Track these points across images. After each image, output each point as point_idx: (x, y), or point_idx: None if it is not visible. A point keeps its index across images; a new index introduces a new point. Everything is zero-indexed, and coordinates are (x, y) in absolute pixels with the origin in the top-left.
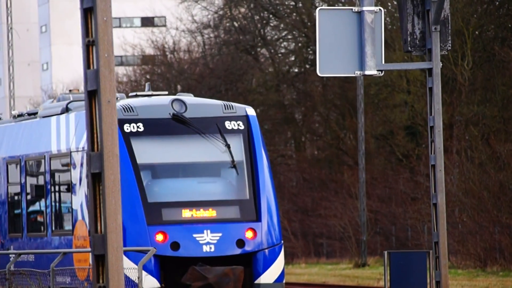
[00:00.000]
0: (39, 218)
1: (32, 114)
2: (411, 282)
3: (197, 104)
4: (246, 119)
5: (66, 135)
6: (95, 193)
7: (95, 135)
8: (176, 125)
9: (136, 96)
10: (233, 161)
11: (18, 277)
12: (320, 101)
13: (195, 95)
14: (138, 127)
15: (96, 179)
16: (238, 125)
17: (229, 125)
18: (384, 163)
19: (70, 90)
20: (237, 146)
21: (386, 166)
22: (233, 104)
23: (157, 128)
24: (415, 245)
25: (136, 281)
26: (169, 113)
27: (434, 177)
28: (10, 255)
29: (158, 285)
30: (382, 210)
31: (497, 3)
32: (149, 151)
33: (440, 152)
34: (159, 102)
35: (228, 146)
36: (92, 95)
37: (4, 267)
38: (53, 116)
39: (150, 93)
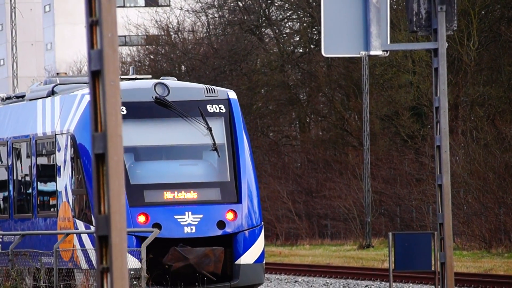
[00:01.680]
0: (26, 200)
1: (20, 97)
2: (416, 263)
3: (180, 88)
4: (227, 102)
5: (51, 118)
6: (99, 174)
7: (98, 116)
8: (159, 109)
9: (120, 79)
10: (214, 144)
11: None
12: (325, 81)
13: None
14: (121, 110)
15: (99, 160)
16: (220, 108)
17: (211, 108)
18: (389, 144)
19: (57, 73)
20: (219, 129)
21: (391, 147)
22: (215, 87)
23: (139, 111)
24: (419, 226)
25: None
26: (152, 97)
27: (439, 158)
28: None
29: (140, 265)
30: (386, 191)
31: None
32: (131, 134)
33: (445, 133)
34: (142, 86)
35: (209, 129)
36: (95, 76)
37: None
38: (39, 99)
39: (133, 76)
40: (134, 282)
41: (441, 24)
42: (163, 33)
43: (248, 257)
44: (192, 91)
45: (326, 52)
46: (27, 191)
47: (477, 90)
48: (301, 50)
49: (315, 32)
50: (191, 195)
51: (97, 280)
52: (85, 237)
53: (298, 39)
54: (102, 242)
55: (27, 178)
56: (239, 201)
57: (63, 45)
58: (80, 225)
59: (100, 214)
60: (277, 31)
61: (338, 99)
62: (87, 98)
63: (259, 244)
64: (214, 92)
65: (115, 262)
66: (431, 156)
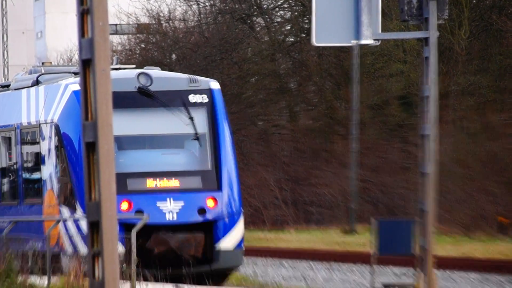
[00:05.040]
0: (12, 188)
1: (5, 87)
2: (398, 247)
3: (163, 78)
4: (210, 92)
5: (36, 107)
6: (89, 162)
7: (89, 104)
8: (142, 98)
9: None
10: (196, 133)
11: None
12: (316, 70)
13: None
14: None
15: (90, 148)
16: (202, 98)
17: (193, 98)
18: (378, 132)
19: (42, 63)
20: (201, 119)
21: (380, 136)
22: (198, 77)
23: (123, 101)
24: (404, 213)
25: None
26: (135, 86)
27: (426, 147)
28: None
29: (123, 251)
30: (372, 179)
31: None
32: (115, 123)
33: (433, 122)
34: (125, 76)
35: (191, 118)
36: (86, 64)
37: None
38: (24, 89)
39: (117, 66)
40: (124, 268)
41: (432, 13)
42: (154, 22)
43: (228, 243)
44: (175, 81)
45: (317, 41)
46: (13, 179)
47: (468, 79)
48: (292, 39)
49: (306, 21)
50: (173, 183)
51: (88, 265)
52: (70, 223)
53: (289, 28)
54: (94, 228)
55: (13, 167)
56: (219, 189)
57: (54, 34)
58: (65, 212)
59: (91, 201)
60: (268, 20)
61: (329, 88)
62: (71, 88)
63: (239, 230)
64: (197, 82)
65: (106, 247)
66: (418, 145)
